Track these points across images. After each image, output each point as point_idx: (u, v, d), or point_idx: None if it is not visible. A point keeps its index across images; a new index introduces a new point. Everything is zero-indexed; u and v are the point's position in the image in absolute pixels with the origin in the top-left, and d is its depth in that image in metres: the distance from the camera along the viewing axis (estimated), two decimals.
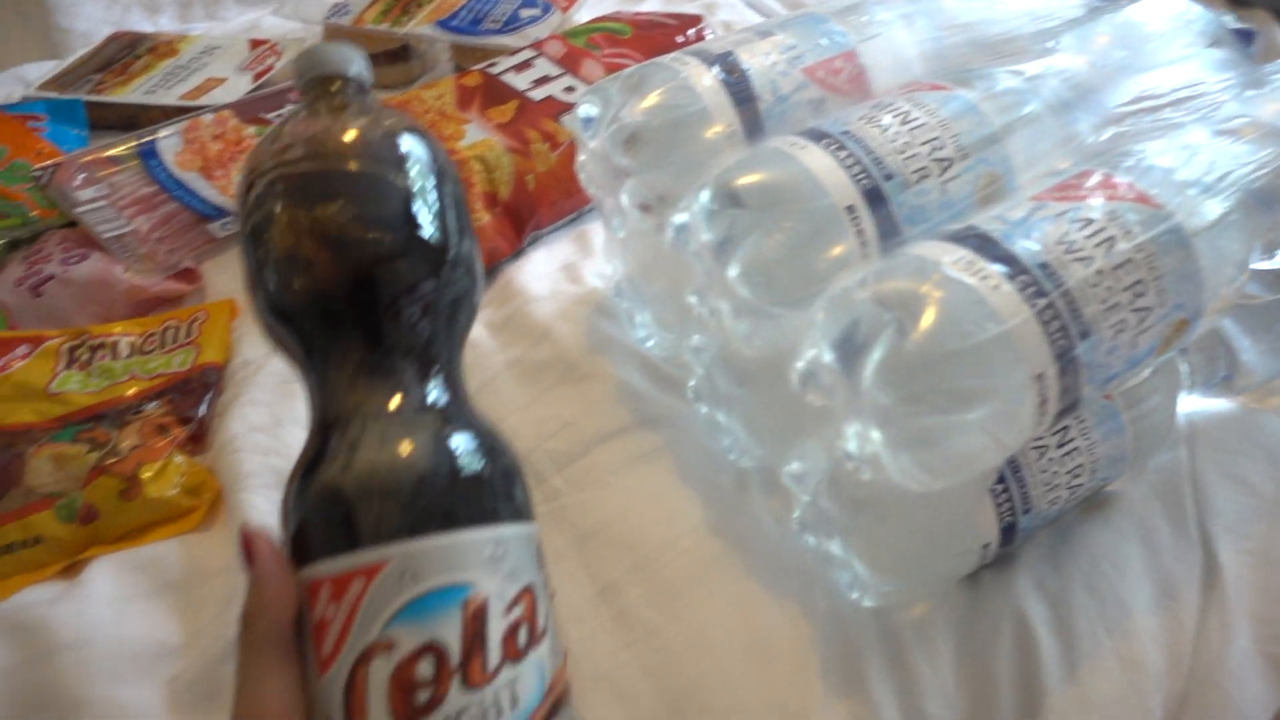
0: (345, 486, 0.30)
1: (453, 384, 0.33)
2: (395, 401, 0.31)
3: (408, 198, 0.33)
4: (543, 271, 0.59)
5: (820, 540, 0.41)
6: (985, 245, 0.33)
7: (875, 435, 0.33)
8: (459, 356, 0.35)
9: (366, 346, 0.32)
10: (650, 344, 0.53)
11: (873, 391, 0.32)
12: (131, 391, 0.53)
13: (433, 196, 0.34)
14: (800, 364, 0.35)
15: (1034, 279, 0.32)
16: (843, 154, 0.38)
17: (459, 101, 0.65)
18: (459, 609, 0.29)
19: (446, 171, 0.35)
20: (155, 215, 0.63)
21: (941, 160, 0.39)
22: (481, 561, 0.29)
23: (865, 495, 0.38)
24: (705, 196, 0.38)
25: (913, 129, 0.39)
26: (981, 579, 0.41)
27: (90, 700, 0.41)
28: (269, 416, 0.51)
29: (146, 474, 0.48)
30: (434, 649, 0.28)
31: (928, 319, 0.31)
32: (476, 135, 0.62)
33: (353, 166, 0.33)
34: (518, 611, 0.30)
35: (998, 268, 0.32)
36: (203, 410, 0.53)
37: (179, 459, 0.50)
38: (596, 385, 0.51)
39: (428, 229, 0.33)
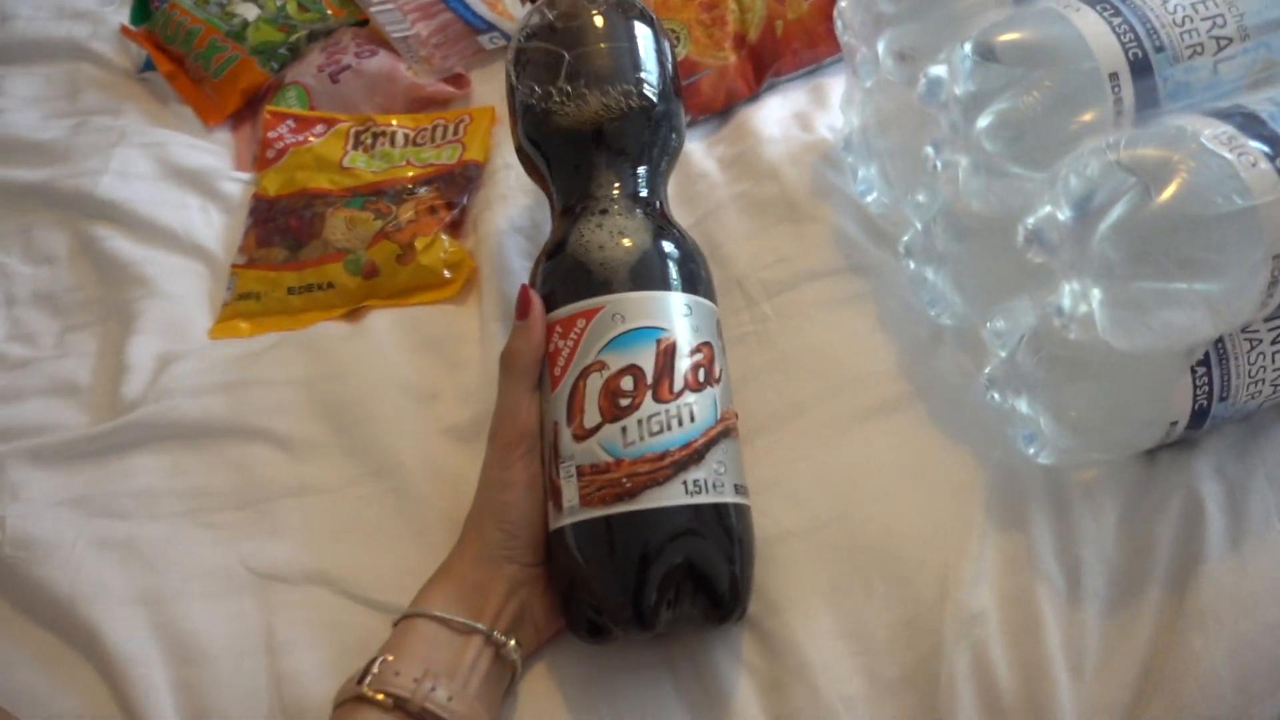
0: (580, 253, 0.42)
1: (659, 198, 0.47)
2: (618, 197, 0.45)
3: (636, 65, 0.46)
4: (776, 116, 0.62)
5: (1006, 397, 0.44)
6: (1251, 123, 0.34)
7: (1095, 293, 0.35)
8: (665, 181, 0.48)
9: (596, 167, 0.45)
10: (870, 198, 0.55)
11: (1103, 247, 0.34)
12: (409, 174, 0.62)
13: (653, 65, 0.47)
14: (1031, 220, 0.37)
15: None
16: (1117, 20, 0.38)
17: None
18: (654, 344, 0.40)
19: (664, 46, 0.48)
20: (434, 22, 0.70)
21: (1220, 39, 0.38)
22: (673, 315, 0.41)
23: (1065, 355, 0.41)
24: (968, 48, 0.40)
25: (1195, 2, 0.39)
26: (1159, 456, 0.43)
27: (374, 415, 0.50)
28: (527, 219, 0.58)
29: (420, 244, 0.57)
30: (634, 370, 0.39)
31: (1174, 185, 0.33)
32: None
33: (594, 37, 0.46)
34: (699, 357, 0.40)
35: (1259, 145, 0.33)
36: (465, 200, 0.60)
37: (444, 237, 0.58)
38: (814, 227, 0.55)
39: (647, 88, 0.46)
